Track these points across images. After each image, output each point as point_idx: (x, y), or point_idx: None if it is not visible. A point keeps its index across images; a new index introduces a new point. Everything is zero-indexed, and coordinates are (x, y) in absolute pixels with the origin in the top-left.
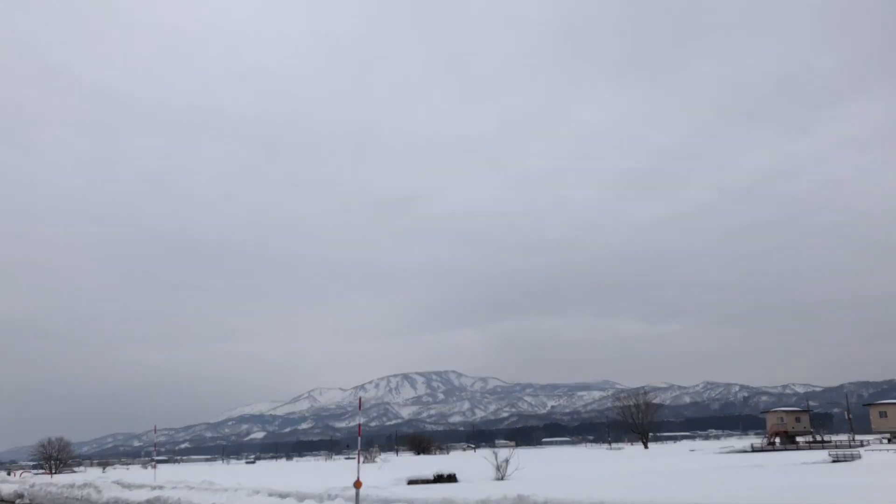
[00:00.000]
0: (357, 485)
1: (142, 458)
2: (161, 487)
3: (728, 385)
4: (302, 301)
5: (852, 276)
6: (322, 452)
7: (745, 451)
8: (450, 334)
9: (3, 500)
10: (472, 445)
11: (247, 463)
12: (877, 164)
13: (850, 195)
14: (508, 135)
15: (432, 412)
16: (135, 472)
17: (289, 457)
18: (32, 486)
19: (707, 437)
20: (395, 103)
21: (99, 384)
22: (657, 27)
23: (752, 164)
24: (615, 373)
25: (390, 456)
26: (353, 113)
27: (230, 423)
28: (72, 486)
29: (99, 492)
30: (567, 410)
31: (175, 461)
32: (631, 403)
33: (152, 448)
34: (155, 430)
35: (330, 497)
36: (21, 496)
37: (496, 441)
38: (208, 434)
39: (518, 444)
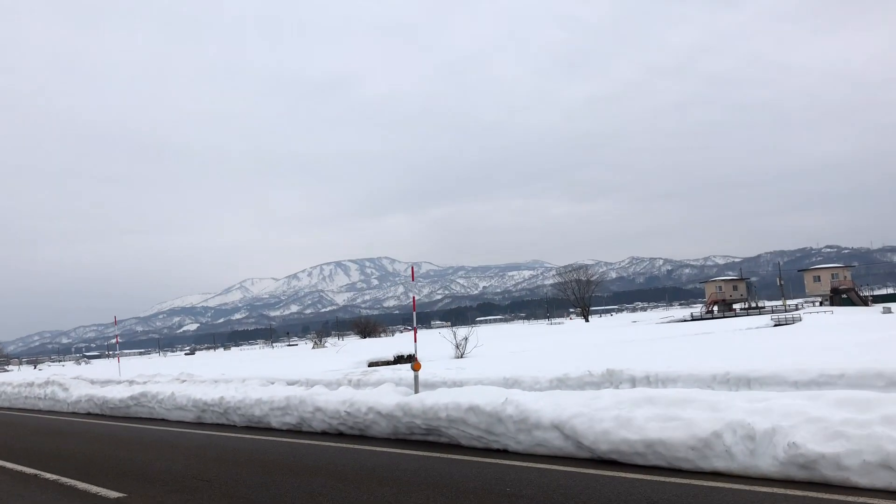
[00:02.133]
0: (416, 367)
1: (73, 355)
2: (144, 383)
3: (652, 259)
4: (230, 193)
5: (772, 151)
6: (259, 342)
7: (686, 321)
8: (382, 221)
9: None
10: (409, 327)
11: (185, 355)
12: (803, 38)
13: (774, 70)
14: (432, 14)
15: (367, 298)
16: (81, 369)
17: (226, 347)
18: None
19: (634, 310)
20: None
21: (17, 282)
22: None
23: (679, 40)
24: (544, 252)
25: (334, 341)
26: None
27: (161, 316)
28: (31, 384)
29: (66, 390)
30: (498, 290)
31: (108, 356)
32: (573, 279)
33: (83, 345)
34: (115, 322)
35: (355, 383)
36: None
37: (432, 322)
38: (139, 328)
39: (453, 324)
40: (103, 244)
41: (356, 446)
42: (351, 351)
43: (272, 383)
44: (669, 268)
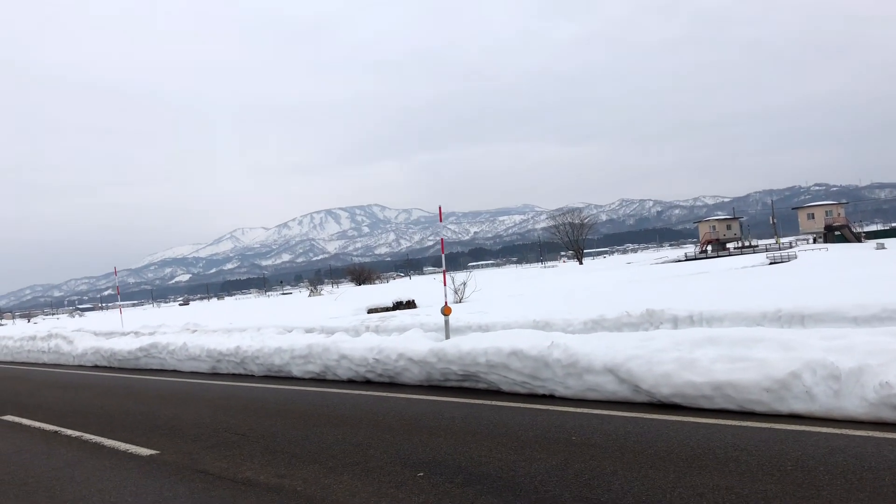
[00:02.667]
0: (446, 311)
1: (66, 308)
2: (151, 334)
3: (642, 201)
4: (215, 142)
5: (761, 89)
6: (252, 291)
7: (681, 261)
8: (372, 168)
9: None
10: (402, 274)
11: (179, 305)
12: None
13: (765, 5)
14: None
15: (358, 245)
16: (76, 321)
17: (219, 297)
18: None
19: (625, 252)
20: None
21: (7, 236)
22: None
23: None
24: (534, 197)
25: (329, 289)
26: None
27: (152, 267)
28: (33, 338)
29: (70, 342)
30: (489, 235)
31: (101, 308)
32: (566, 222)
33: (75, 297)
34: (115, 273)
35: (373, 329)
36: None
37: (424, 269)
38: (131, 280)
39: (446, 270)
40: (91, 199)
41: (390, 394)
42: (348, 298)
43: (289, 331)
44: (659, 209)
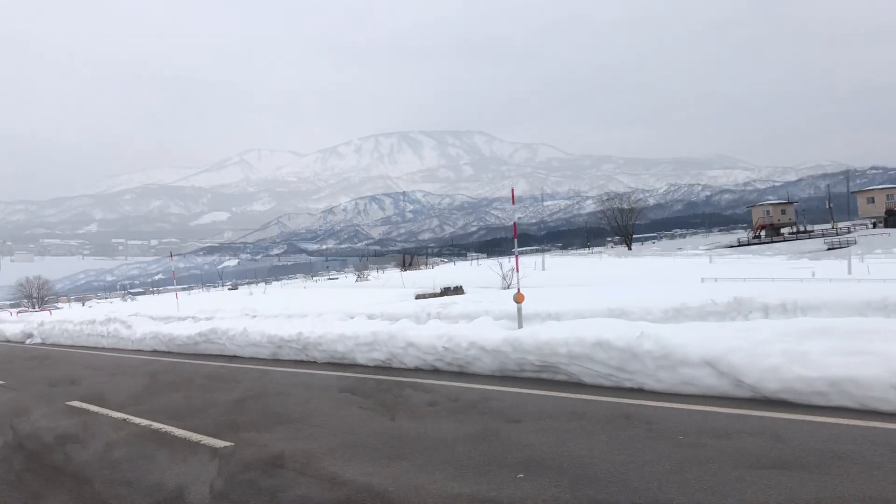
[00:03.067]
0: (519, 298)
1: (118, 292)
2: (208, 318)
3: (690, 186)
4: (252, 128)
5: (817, 70)
6: (298, 276)
7: (734, 246)
8: (415, 153)
9: (9, 342)
10: (445, 259)
11: (228, 290)
12: None
13: None
14: None
15: (402, 231)
16: (129, 305)
17: (267, 281)
18: (41, 324)
19: (673, 237)
20: None
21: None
22: None
23: None
24: (579, 181)
25: (376, 274)
26: None
27: (201, 252)
28: (92, 322)
29: (129, 327)
30: (534, 220)
31: (152, 292)
32: (614, 207)
33: (127, 282)
34: (172, 257)
35: (435, 316)
36: (30, 336)
37: (468, 254)
38: (181, 265)
39: (489, 256)
40: (146, 180)
41: (462, 384)
42: (395, 283)
43: (351, 318)
44: (708, 193)
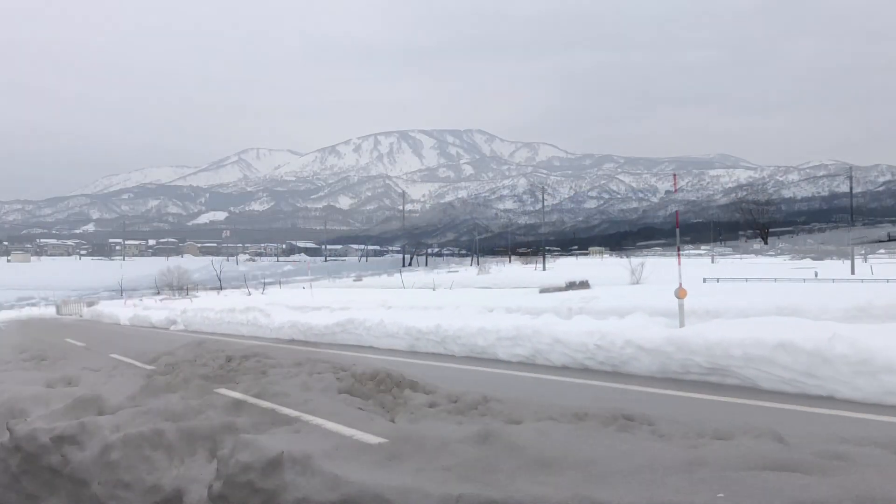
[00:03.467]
0: (681, 294)
1: (250, 283)
2: (344, 309)
3: (830, 177)
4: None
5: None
6: (419, 268)
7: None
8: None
9: (155, 328)
10: (561, 252)
11: (353, 281)
12: None
13: None
14: None
15: (521, 223)
16: (258, 296)
17: (389, 273)
18: (184, 311)
19: (811, 231)
20: None
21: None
22: None
23: None
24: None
25: (496, 268)
26: None
27: (329, 245)
28: (232, 310)
29: (267, 316)
30: (659, 214)
31: (280, 283)
32: (748, 199)
33: (258, 272)
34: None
35: (577, 311)
36: (174, 322)
37: (589, 248)
38: (317, 258)
39: (613, 250)
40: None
41: (621, 385)
42: (516, 278)
43: (490, 311)
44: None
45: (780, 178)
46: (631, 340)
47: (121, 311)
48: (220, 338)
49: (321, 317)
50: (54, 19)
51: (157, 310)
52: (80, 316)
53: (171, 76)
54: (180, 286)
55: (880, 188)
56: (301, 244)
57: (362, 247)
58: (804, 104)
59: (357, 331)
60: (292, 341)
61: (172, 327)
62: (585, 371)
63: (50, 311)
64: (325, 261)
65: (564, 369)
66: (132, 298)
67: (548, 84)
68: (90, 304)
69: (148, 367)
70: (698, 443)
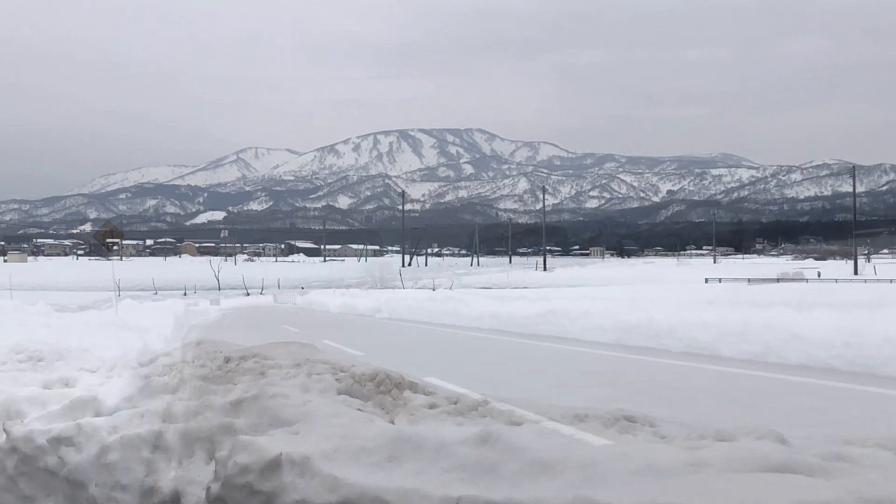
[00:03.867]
0: None
1: (436, 274)
2: (544, 299)
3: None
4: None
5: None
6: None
7: None
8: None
9: (362, 315)
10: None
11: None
12: None
13: None
14: None
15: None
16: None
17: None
18: (389, 300)
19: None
20: None
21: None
22: None
23: None
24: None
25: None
26: None
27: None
28: (432, 299)
29: (467, 305)
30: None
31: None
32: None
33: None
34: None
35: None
36: (379, 310)
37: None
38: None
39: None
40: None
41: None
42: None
43: (710, 302)
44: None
45: (783, 178)
46: (892, 338)
47: (330, 299)
48: (423, 326)
49: (522, 307)
50: (50, 18)
51: (362, 298)
52: (294, 304)
53: (169, 75)
54: (382, 277)
55: (883, 187)
56: (300, 244)
57: (361, 247)
58: (807, 103)
59: (560, 322)
60: (492, 330)
61: (377, 315)
62: (829, 371)
63: (267, 300)
64: (324, 261)
65: (803, 368)
66: (340, 288)
67: (548, 82)
68: (302, 294)
69: (357, 353)
70: (700, 444)
